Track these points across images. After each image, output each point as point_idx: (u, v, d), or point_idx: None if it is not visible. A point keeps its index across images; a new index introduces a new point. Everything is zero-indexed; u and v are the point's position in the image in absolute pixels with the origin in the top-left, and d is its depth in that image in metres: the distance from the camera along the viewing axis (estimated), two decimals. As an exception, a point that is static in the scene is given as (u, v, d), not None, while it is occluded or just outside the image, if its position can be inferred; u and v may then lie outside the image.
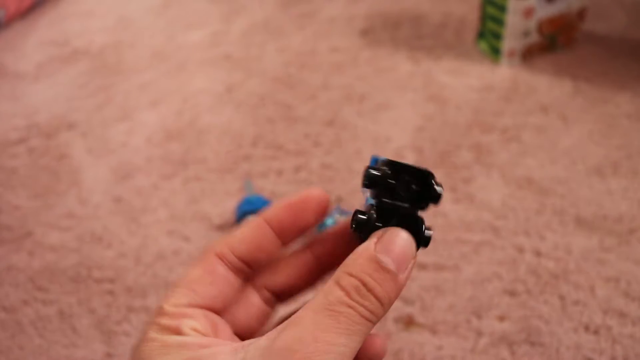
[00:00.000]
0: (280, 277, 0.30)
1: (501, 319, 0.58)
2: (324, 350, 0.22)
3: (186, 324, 0.25)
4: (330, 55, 1.00)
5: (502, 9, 0.89)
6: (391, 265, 0.24)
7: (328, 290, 0.24)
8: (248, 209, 0.66)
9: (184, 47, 1.06)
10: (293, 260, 0.30)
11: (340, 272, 0.24)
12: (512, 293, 0.60)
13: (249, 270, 0.29)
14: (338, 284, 0.24)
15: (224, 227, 0.69)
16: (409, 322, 0.58)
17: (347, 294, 0.23)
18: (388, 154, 0.77)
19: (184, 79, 0.97)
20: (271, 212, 0.29)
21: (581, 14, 0.95)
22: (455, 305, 0.60)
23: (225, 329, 0.28)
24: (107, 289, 0.64)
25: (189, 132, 0.85)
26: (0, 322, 0.62)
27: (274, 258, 0.30)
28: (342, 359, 0.22)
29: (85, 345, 0.59)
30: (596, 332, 0.57)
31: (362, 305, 0.23)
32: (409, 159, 0.77)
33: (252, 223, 0.29)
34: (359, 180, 0.74)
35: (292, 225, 0.29)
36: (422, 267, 0.63)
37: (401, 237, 0.25)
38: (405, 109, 0.86)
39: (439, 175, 0.74)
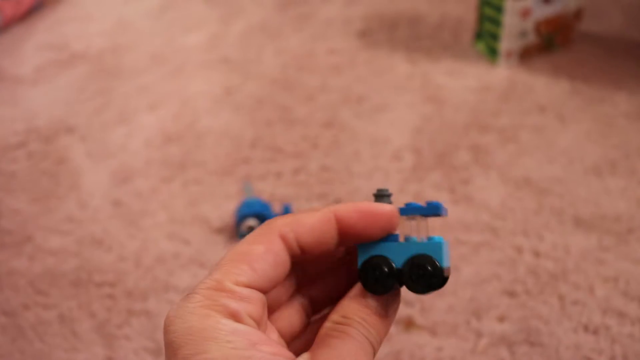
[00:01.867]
0: (327, 286, 0.29)
1: (501, 319, 0.58)
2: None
3: (245, 309, 0.23)
4: (328, 57, 1.00)
5: (499, 9, 0.89)
6: (381, 311, 0.27)
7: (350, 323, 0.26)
8: (247, 211, 0.66)
9: (182, 50, 1.06)
10: (338, 271, 0.29)
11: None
12: (512, 294, 0.61)
13: (302, 261, 0.27)
14: (354, 319, 0.26)
15: (223, 231, 0.69)
16: (408, 324, 0.58)
17: (362, 330, 0.26)
18: (387, 155, 0.78)
19: (182, 82, 0.98)
20: (344, 210, 0.26)
21: (578, 14, 0.95)
22: (455, 306, 0.60)
23: (265, 316, 0.25)
24: (107, 292, 0.64)
25: (187, 135, 0.85)
26: (1, 327, 0.62)
27: (322, 259, 0.29)
28: None
29: (86, 349, 0.59)
30: (595, 332, 0.57)
31: (369, 341, 0.26)
32: (407, 160, 0.77)
33: (322, 214, 0.26)
34: (357, 181, 0.74)
35: (359, 231, 0.27)
36: (422, 268, 0.63)
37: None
38: (403, 110, 0.86)
39: (437, 176, 0.75)
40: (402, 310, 0.60)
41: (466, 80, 0.91)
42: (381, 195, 0.28)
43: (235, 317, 0.22)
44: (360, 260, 0.27)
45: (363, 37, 1.05)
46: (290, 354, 0.23)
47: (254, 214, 0.66)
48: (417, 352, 0.56)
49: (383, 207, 0.27)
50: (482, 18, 0.95)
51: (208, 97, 0.93)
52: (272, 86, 0.94)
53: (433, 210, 0.28)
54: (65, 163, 0.82)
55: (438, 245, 0.27)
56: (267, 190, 0.74)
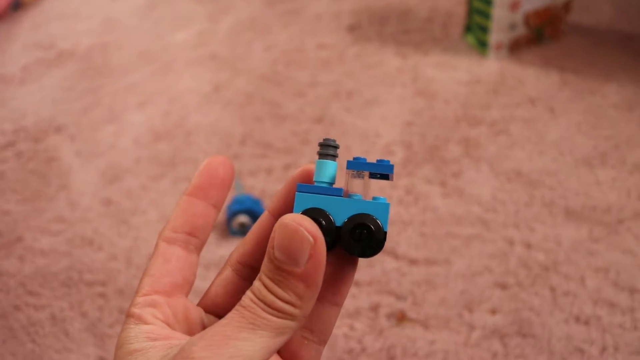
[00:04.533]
0: (247, 247, 0.29)
1: (493, 312, 0.59)
2: (221, 344, 0.22)
3: (148, 312, 0.26)
4: (318, 52, 0.99)
5: (488, 2, 0.89)
6: (286, 263, 0.23)
7: (249, 289, 0.24)
8: (238, 208, 0.66)
9: (171, 48, 1.05)
10: (256, 230, 0.29)
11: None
12: (503, 286, 0.61)
13: (194, 239, 0.29)
14: (255, 282, 0.24)
15: (214, 227, 0.69)
16: (401, 318, 0.58)
17: (255, 293, 0.24)
18: (377, 150, 0.78)
19: (171, 79, 0.97)
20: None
21: (567, 6, 0.95)
22: (447, 299, 0.60)
23: (196, 314, 0.28)
24: (98, 292, 0.64)
25: (177, 132, 0.85)
26: (-8, 329, 0.61)
27: (212, 221, 0.30)
28: (243, 354, 0.22)
29: (78, 349, 0.59)
30: (587, 323, 0.57)
31: (265, 303, 0.23)
32: (398, 154, 0.77)
33: (180, 201, 0.29)
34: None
35: (210, 186, 0.29)
36: (413, 262, 0.63)
37: (288, 228, 0.23)
38: (393, 104, 0.86)
39: (428, 170, 0.75)
40: (394, 305, 0.60)
41: (456, 73, 0.91)
42: (326, 145, 0.26)
43: (141, 320, 0.26)
44: (297, 210, 0.25)
45: (352, 32, 1.04)
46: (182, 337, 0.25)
47: (244, 210, 0.66)
48: (409, 346, 0.56)
49: (211, 159, 0.29)
50: (471, 11, 0.95)
51: (197, 94, 0.92)
52: (262, 82, 0.94)
53: (382, 169, 0.25)
54: (55, 162, 0.81)
55: (384, 207, 0.25)
56: (258, 187, 0.74)
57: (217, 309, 0.29)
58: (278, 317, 0.23)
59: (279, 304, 0.23)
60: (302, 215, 0.23)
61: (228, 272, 0.29)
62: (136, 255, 0.67)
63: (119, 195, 0.75)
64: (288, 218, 0.23)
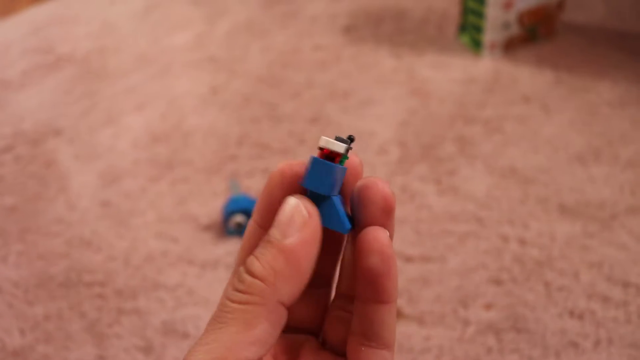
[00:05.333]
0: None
1: (487, 307, 0.59)
2: (197, 349, 0.21)
3: None
4: (314, 53, 1.00)
5: (482, 2, 0.89)
6: (276, 235, 0.22)
7: None
8: (234, 208, 0.66)
9: (168, 50, 1.06)
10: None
11: None
12: (498, 282, 0.61)
13: None
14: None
15: (211, 228, 0.70)
16: (397, 314, 0.59)
17: (230, 282, 0.22)
18: (373, 149, 0.78)
19: (168, 82, 0.98)
20: (255, 211, 0.26)
21: (560, 4, 0.96)
22: (442, 295, 0.61)
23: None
24: (97, 292, 0.64)
25: (174, 134, 0.85)
26: (-8, 330, 0.62)
27: None
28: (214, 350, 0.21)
29: (77, 348, 0.59)
30: (581, 317, 0.58)
31: (235, 289, 0.22)
32: (393, 153, 0.77)
33: (247, 229, 0.26)
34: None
35: (269, 213, 0.25)
36: (409, 259, 0.64)
37: (286, 203, 0.22)
38: (389, 104, 0.87)
39: (423, 168, 0.75)
40: (390, 301, 0.60)
41: (451, 73, 0.92)
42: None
43: None
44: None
45: (348, 33, 1.05)
46: None
47: (241, 210, 0.66)
48: (405, 342, 0.57)
49: (273, 173, 0.25)
50: (465, 11, 0.95)
51: (194, 97, 0.93)
52: (258, 84, 0.94)
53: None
54: (53, 165, 0.82)
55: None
56: (254, 187, 0.75)
57: None
58: (244, 302, 0.21)
59: (249, 280, 0.21)
60: (305, 197, 0.23)
61: None
62: (134, 256, 0.68)
63: (117, 196, 0.76)
64: (292, 198, 0.22)
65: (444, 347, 0.56)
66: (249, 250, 0.24)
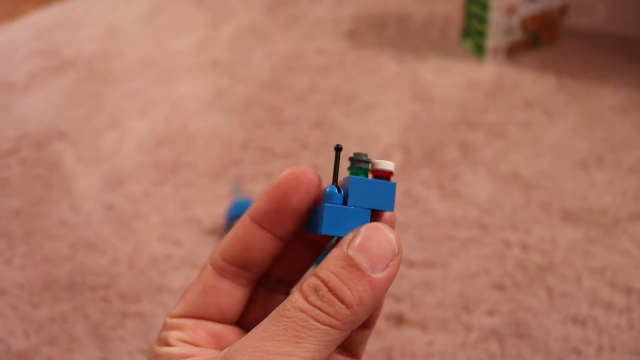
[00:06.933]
0: (281, 267, 0.28)
1: (490, 313, 0.59)
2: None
3: (172, 335, 0.25)
4: (317, 58, 1.01)
5: (485, 7, 0.90)
6: (364, 263, 0.22)
7: (290, 295, 0.22)
8: (238, 212, 0.67)
9: (172, 54, 1.07)
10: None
11: (310, 274, 0.22)
12: (501, 287, 0.61)
13: (247, 272, 0.27)
14: (300, 286, 0.22)
15: (215, 232, 0.70)
16: (399, 320, 0.59)
17: (304, 296, 0.22)
18: (376, 154, 0.78)
19: (172, 85, 0.98)
20: (253, 206, 0.26)
21: (563, 10, 0.96)
22: (445, 301, 0.61)
23: (231, 337, 0.26)
24: (101, 295, 0.65)
25: (178, 138, 0.86)
26: (-4, 332, 0.62)
27: (274, 255, 0.27)
28: None
29: (81, 350, 0.60)
30: (583, 324, 0.58)
31: (318, 307, 0.21)
32: (396, 157, 0.78)
33: (239, 223, 0.26)
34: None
35: (276, 215, 0.25)
36: (412, 264, 0.64)
37: (376, 232, 0.22)
38: (391, 109, 0.87)
39: (426, 173, 0.76)
40: (393, 306, 0.60)
41: (454, 78, 0.92)
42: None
43: (165, 343, 0.25)
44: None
45: (351, 37, 1.05)
46: None
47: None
48: (408, 348, 0.57)
49: (286, 173, 0.26)
50: (468, 16, 0.96)
51: (198, 100, 0.94)
52: (262, 88, 0.95)
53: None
54: (58, 169, 0.82)
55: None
56: (258, 191, 0.75)
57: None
58: (330, 325, 0.21)
59: (338, 305, 0.21)
60: (389, 227, 0.23)
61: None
62: (138, 259, 0.68)
63: (121, 200, 0.76)
64: (386, 228, 0.23)
65: (446, 353, 0.56)
66: (237, 243, 0.26)
